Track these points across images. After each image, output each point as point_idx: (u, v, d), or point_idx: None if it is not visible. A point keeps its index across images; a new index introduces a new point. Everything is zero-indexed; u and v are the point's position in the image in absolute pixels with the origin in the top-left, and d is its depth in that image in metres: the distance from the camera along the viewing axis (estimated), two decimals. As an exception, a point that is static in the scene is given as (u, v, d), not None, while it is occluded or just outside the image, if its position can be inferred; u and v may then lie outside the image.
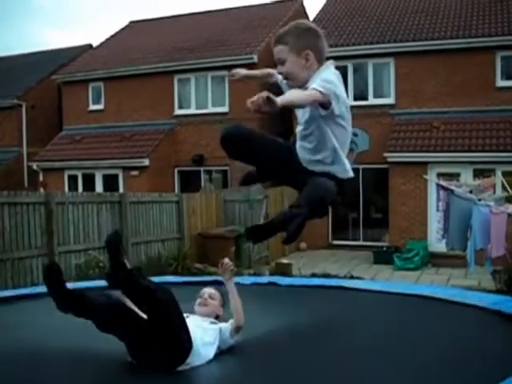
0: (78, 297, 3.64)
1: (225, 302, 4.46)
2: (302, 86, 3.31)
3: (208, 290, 4.53)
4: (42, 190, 19.59)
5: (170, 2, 69.09)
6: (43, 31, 76.38)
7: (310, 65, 3.36)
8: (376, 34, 19.55)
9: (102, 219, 12.51)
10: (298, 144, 3.53)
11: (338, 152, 3.44)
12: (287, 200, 18.53)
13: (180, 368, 3.75)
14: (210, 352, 3.97)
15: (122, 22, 55.96)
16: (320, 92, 3.09)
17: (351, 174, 3.53)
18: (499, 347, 4.25)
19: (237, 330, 4.20)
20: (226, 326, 4.20)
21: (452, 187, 10.24)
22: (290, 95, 3.15)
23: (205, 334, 3.98)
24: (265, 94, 2.78)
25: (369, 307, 5.59)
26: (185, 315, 3.92)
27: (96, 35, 68.83)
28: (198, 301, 4.43)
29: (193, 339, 3.80)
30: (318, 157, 3.45)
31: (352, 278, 11.93)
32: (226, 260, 4.49)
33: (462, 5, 20.27)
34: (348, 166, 3.52)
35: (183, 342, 3.76)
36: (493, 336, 4.57)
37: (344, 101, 3.29)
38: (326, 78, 3.22)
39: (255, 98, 2.80)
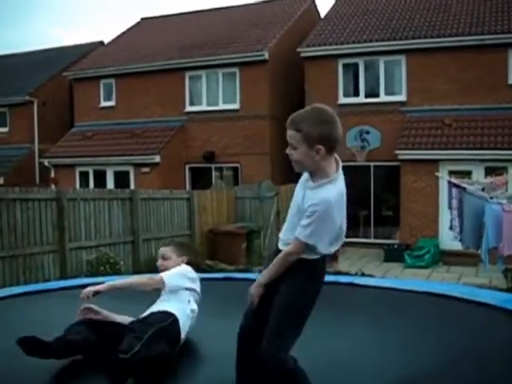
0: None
1: (185, 252, 4.99)
2: (312, 172, 3.40)
3: (160, 252, 4.94)
4: (53, 186, 19.64)
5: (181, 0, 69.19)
6: (55, 29, 76.65)
7: (320, 158, 3.32)
8: (387, 31, 19.48)
9: (113, 216, 12.54)
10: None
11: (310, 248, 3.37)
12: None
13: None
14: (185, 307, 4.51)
15: (134, 19, 56.02)
16: (298, 245, 3.31)
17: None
18: (511, 345, 4.24)
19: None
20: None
21: (464, 185, 10.18)
22: (268, 271, 3.50)
23: (171, 301, 4.47)
24: None
25: (380, 304, 5.57)
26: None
27: (107, 32, 69.02)
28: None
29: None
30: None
31: (363, 275, 11.91)
32: None
33: (474, 1, 20.16)
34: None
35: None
36: (504, 334, 4.55)
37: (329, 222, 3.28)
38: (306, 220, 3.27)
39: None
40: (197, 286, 4.74)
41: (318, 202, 3.22)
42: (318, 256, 3.40)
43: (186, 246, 5.25)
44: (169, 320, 4.24)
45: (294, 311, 3.38)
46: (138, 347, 3.69)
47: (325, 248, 3.32)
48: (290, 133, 3.48)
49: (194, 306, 4.61)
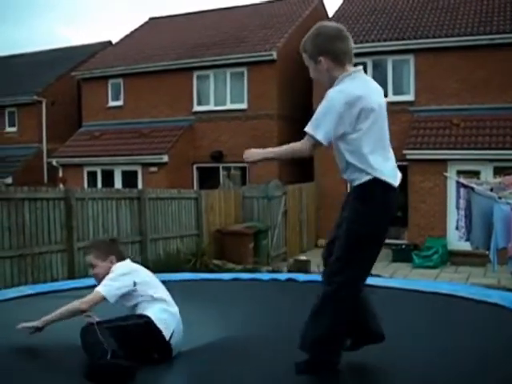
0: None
1: (108, 251, 4.61)
2: (331, 86, 3.59)
3: (87, 261, 4.72)
4: (61, 185, 19.68)
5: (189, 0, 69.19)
6: (62, 28, 76.80)
7: (327, 69, 3.59)
8: (396, 31, 19.45)
9: (121, 215, 12.55)
10: None
11: (353, 164, 3.52)
12: (305, 197, 18.53)
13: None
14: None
15: (142, 19, 56.10)
16: (307, 140, 3.52)
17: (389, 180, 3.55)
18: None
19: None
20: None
21: (472, 185, 10.15)
22: (275, 150, 3.96)
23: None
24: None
25: (388, 304, 5.56)
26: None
27: (116, 32, 69.11)
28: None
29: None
30: (345, 176, 3.62)
31: (371, 275, 11.87)
32: None
33: (482, 1, 20.09)
34: (380, 169, 3.52)
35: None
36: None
37: (345, 116, 3.42)
38: (316, 115, 3.48)
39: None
40: (146, 276, 4.45)
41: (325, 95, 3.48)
42: (369, 177, 3.47)
43: (107, 244, 4.75)
44: (131, 321, 4.15)
45: (351, 238, 3.50)
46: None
47: (324, 138, 3.43)
48: (303, 57, 3.76)
49: (162, 304, 4.31)
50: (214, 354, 4.32)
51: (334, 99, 3.44)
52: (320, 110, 3.46)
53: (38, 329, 4.20)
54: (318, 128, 3.42)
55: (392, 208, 3.63)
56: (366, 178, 3.46)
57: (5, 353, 4.21)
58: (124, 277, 4.29)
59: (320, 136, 3.42)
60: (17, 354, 4.22)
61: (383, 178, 3.46)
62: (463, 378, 3.63)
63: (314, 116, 3.45)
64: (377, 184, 3.47)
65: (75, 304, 4.17)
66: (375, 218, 3.51)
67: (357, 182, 3.52)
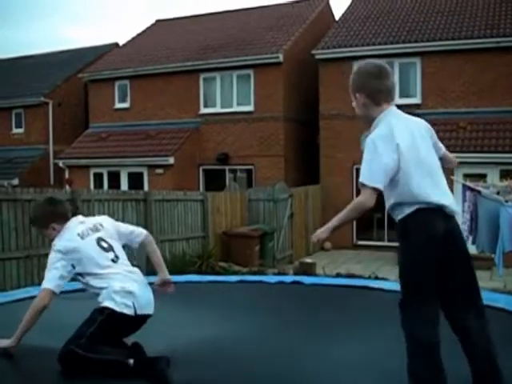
0: None
1: (46, 220, 4.48)
2: (371, 122, 3.69)
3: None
4: (67, 187, 19.72)
5: (196, 1, 69.33)
6: (70, 30, 76.98)
7: (362, 104, 3.73)
8: (402, 34, 19.43)
9: (127, 217, 12.55)
10: None
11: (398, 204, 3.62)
12: (311, 199, 18.52)
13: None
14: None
15: (149, 21, 56.19)
16: (362, 190, 3.54)
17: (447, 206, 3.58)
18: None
19: None
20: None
21: (479, 188, 10.12)
22: (337, 217, 3.70)
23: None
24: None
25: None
26: None
27: (122, 34, 69.26)
28: None
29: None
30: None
31: (377, 278, 11.87)
32: None
33: (489, 4, 20.06)
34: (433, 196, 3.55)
35: None
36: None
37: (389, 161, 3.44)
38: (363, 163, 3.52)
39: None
40: (90, 250, 4.31)
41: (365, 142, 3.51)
42: (405, 213, 3.53)
43: (44, 212, 4.50)
44: (96, 323, 4.14)
45: (403, 275, 3.56)
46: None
47: (379, 182, 3.44)
48: None
49: (116, 283, 4.25)
50: (216, 356, 4.32)
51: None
52: (365, 158, 3.49)
53: (12, 347, 4.21)
54: (372, 176, 3.46)
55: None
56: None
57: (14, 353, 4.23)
58: (62, 261, 4.23)
59: (378, 184, 3.47)
60: (24, 355, 4.24)
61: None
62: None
63: (364, 167, 3.48)
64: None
65: (34, 307, 4.19)
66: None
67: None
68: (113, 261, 4.37)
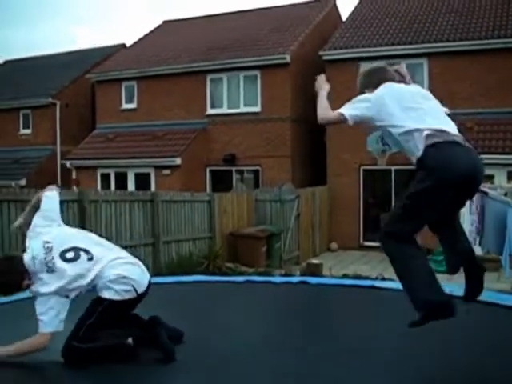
0: None
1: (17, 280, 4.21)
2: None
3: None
4: (74, 187, 19.77)
5: (203, 2, 69.38)
6: (78, 31, 77.15)
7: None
8: (409, 35, 19.41)
9: (134, 218, 12.58)
10: None
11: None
12: (318, 200, 18.51)
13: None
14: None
15: (156, 22, 56.26)
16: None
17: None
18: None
19: None
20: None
21: (486, 189, 10.10)
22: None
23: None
24: None
25: (401, 307, 5.54)
26: None
27: (129, 35, 69.40)
28: None
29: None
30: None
31: (383, 279, 11.84)
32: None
33: (496, 4, 20.01)
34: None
35: None
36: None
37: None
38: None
39: None
40: (70, 273, 4.13)
41: None
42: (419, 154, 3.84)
43: (9, 273, 4.17)
44: (96, 314, 4.17)
45: (411, 195, 3.85)
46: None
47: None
48: None
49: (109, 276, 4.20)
50: (220, 357, 4.33)
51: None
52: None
53: None
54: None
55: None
56: None
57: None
58: (53, 298, 4.09)
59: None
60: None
61: None
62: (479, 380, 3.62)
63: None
64: None
65: (33, 346, 4.09)
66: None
67: None
68: (90, 259, 4.26)
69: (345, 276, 12.85)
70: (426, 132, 3.77)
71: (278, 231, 16.16)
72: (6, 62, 32.67)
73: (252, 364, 4.09)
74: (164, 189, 17.67)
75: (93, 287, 4.25)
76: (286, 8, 26.21)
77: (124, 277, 4.21)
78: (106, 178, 21.62)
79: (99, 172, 21.75)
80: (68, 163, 22.33)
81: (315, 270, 13.46)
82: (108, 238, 11.47)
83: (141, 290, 4.29)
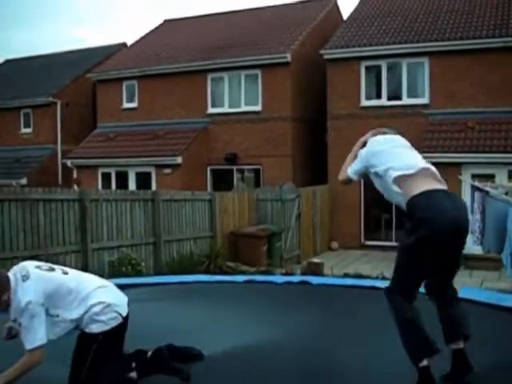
0: None
1: None
2: None
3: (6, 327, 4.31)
4: (75, 187, 19.77)
5: (204, 1, 69.35)
6: (78, 30, 77.14)
7: None
8: (410, 34, 19.39)
9: (135, 217, 12.58)
10: None
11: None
12: (319, 199, 18.50)
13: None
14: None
15: (157, 21, 56.26)
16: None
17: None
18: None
19: None
20: None
21: (487, 188, 10.10)
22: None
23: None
24: None
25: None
26: None
27: (130, 34, 69.37)
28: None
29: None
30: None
31: (384, 278, 11.84)
32: None
33: (497, 3, 19.99)
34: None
35: None
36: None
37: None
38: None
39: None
40: (53, 289, 4.06)
41: None
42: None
43: None
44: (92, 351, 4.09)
45: (397, 256, 4.19)
46: None
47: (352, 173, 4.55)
48: None
49: (94, 309, 4.11)
50: (216, 355, 4.33)
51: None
52: None
53: None
54: None
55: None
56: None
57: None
58: (37, 316, 3.95)
59: None
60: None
61: None
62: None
63: None
64: None
65: (28, 366, 3.95)
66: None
67: None
68: (65, 273, 4.20)
69: (346, 275, 12.86)
70: (398, 173, 4.10)
71: (278, 230, 16.15)
72: (7, 62, 32.69)
73: (253, 362, 4.09)
74: (165, 188, 17.66)
75: (75, 321, 4.12)
76: (286, 7, 26.20)
77: (108, 305, 4.14)
78: (106, 177, 21.61)
79: (100, 171, 21.74)
80: (69, 162, 22.32)
81: (316, 269, 13.47)
82: (109, 238, 11.56)
83: (125, 312, 4.24)
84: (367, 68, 19.57)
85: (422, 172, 4.09)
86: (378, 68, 19.43)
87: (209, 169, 21.73)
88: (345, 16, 24.49)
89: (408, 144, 4.56)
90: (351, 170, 4.52)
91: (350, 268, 14.99)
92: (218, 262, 14.04)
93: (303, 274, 12.96)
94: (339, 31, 21.03)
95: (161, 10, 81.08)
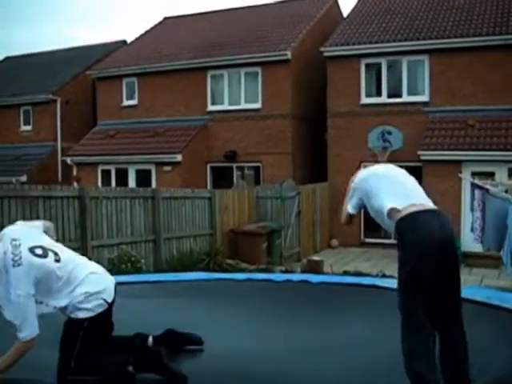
0: None
1: None
2: None
3: None
4: (75, 184, 19.77)
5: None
6: (78, 28, 77.09)
7: None
8: (410, 31, 19.37)
9: (135, 214, 12.58)
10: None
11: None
12: (319, 197, 18.51)
13: None
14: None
15: (157, 19, 56.22)
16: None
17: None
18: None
19: None
20: None
21: (487, 186, 10.09)
22: None
23: None
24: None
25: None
26: None
27: (130, 32, 69.31)
28: None
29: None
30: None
31: (384, 276, 11.85)
32: None
33: (498, 1, 19.97)
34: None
35: None
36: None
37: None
38: None
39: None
40: (41, 270, 3.96)
41: None
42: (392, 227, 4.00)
43: None
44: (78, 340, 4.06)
45: (399, 286, 3.86)
46: None
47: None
48: None
49: (79, 294, 4.07)
50: (217, 352, 4.33)
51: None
52: None
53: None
54: None
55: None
56: None
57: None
58: (28, 311, 3.89)
59: None
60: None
61: None
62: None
63: None
64: None
65: (23, 350, 3.93)
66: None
67: None
68: (57, 261, 4.10)
69: (345, 273, 12.86)
70: (390, 205, 4.02)
71: (278, 228, 16.16)
72: (7, 59, 32.66)
73: (252, 361, 4.08)
74: (165, 185, 17.65)
75: (60, 309, 4.10)
76: (287, 4, 26.16)
77: (93, 294, 4.10)
78: (106, 174, 21.61)
79: (100, 168, 21.74)
80: (69, 160, 22.32)
81: (316, 267, 13.46)
82: (109, 235, 11.53)
83: (110, 298, 4.22)
84: (367, 65, 19.56)
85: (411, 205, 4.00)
86: (378, 66, 19.41)
87: (209, 166, 21.73)
88: (345, 13, 24.48)
89: (399, 173, 4.43)
90: (350, 206, 4.50)
91: (349, 266, 15.00)
92: (218, 259, 14.04)
93: (303, 271, 12.95)
94: (339, 29, 21.02)
95: (160, 7, 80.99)
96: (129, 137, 22.19)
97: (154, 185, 19.76)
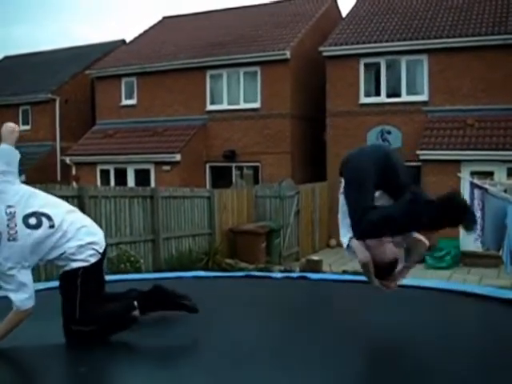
0: None
1: None
2: None
3: None
4: (74, 183, 19.77)
5: (202, -2, 69.27)
6: (78, 27, 77.10)
7: None
8: (409, 31, 19.38)
9: (134, 214, 12.58)
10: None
11: None
12: (318, 196, 18.51)
13: None
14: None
15: (156, 18, 56.20)
16: None
17: None
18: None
19: None
20: None
21: (486, 186, 10.10)
22: None
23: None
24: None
25: (402, 303, 5.54)
26: None
27: (129, 31, 69.30)
28: None
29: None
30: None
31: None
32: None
33: (496, 0, 19.99)
34: None
35: None
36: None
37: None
38: None
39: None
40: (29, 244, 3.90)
41: None
42: None
43: None
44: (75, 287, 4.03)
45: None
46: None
47: None
48: None
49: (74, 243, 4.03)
50: (216, 352, 4.32)
51: None
52: None
53: None
54: None
55: None
56: None
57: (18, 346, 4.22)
58: (26, 282, 3.90)
59: None
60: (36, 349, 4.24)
61: None
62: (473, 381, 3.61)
63: None
64: None
65: (20, 318, 3.90)
66: None
67: None
68: (51, 227, 4.02)
69: (344, 272, 12.86)
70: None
71: (277, 227, 16.16)
72: (6, 58, 32.64)
73: (251, 360, 4.08)
74: (164, 185, 17.64)
75: (49, 261, 4.09)
76: (285, 4, 26.16)
77: (83, 245, 4.07)
78: (105, 174, 21.61)
79: (99, 168, 21.74)
80: (68, 159, 22.32)
81: (315, 267, 13.47)
82: (108, 234, 11.49)
83: (102, 249, 4.23)
84: (366, 65, 19.57)
85: None
86: (377, 65, 19.42)
87: (208, 166, 21.73)
88: (344, 13, 24.48)
89: None
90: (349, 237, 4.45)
91: (348, 265, 14.99)
92: (217, 259, 14.05)
93: (302, 271, 12.96)
94: (338, 28, 21.02)
95: (159, 6, 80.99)
96: (128, 136, 22.19)
97: (153, 184, 19.76)
